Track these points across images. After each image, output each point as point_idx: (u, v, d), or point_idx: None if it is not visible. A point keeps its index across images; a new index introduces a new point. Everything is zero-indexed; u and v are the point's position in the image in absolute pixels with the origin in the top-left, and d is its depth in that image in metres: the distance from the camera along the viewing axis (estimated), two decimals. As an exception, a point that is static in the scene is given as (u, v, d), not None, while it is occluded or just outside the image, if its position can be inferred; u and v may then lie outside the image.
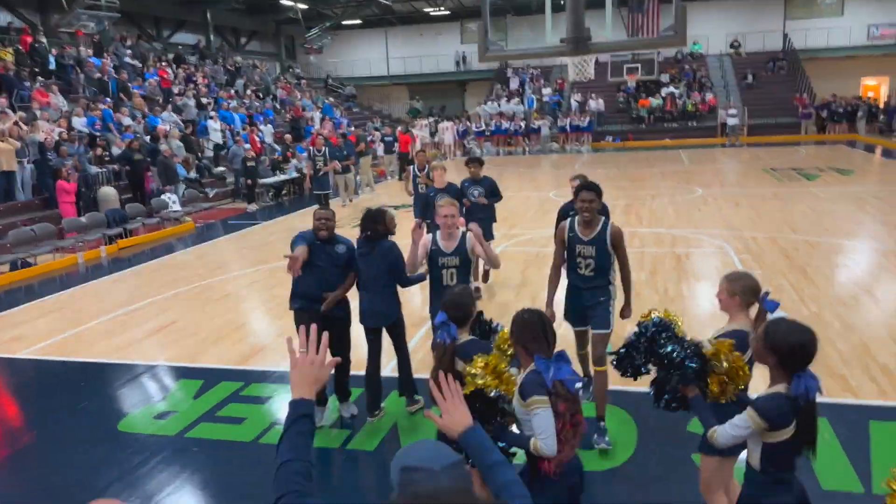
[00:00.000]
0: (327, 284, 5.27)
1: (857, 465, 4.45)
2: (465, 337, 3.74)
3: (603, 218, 4.97)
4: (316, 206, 10.18)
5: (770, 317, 3.25)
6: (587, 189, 4.78)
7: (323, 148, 14.74)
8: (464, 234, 5.09)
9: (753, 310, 3.59)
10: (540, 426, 2.88)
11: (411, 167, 10.27)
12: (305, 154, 15.65)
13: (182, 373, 6.78)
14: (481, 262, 8.14)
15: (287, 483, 1.77)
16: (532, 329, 3.07)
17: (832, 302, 7.89)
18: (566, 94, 32.62)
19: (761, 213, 13.37)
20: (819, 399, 2.76)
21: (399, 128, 24.93)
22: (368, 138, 23.25)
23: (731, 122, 27.71)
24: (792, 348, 2.66)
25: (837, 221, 12.44)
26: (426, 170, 9.84)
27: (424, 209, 8.66)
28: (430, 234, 5.18)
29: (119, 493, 4.60)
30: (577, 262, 4.95)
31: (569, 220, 5.05)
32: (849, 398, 5.45)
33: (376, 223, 5.31)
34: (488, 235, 8.36)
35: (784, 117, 29.51)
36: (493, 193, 8.77)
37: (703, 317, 7.62)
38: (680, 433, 4.92)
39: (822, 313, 7.52)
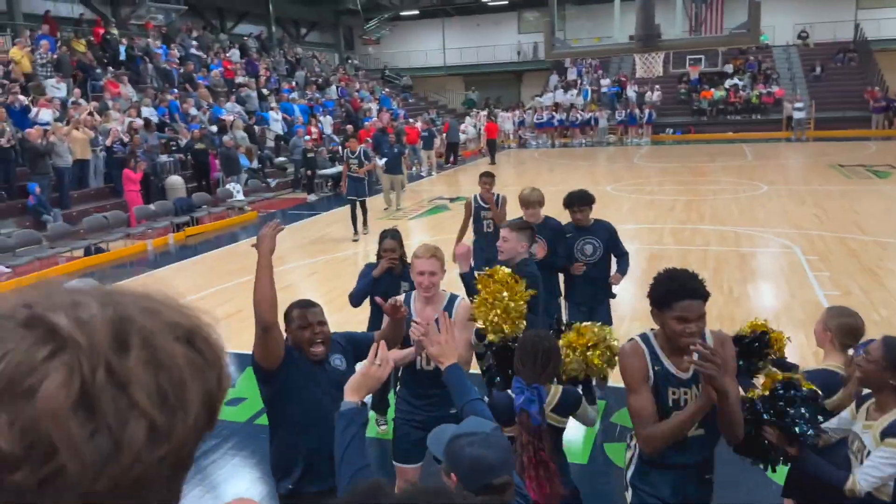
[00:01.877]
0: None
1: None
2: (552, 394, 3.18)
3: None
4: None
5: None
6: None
7: (358, 148, 12.69)
8: (452, 300, 3.84)
9: None
10: None
11: (472, 199, 7.47)
12: (345, 154, 12.96)
13: (250, 361, 6.98)
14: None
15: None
16: (524, 352, 3.06)
17: (905, 307, 7.65)
18: (625, 85, 32.13)
19: (828, 212, 12.98)
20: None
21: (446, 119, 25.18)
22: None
23: (798, 115, 26.87)
24: None
25: (910, 222, 12.00)
26: (498, 201, 7.26)
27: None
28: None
29: (190, 478, 4.79)
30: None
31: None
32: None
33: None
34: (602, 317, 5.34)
35: (853, 111, 28.44)
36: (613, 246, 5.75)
37: (769, 319, 7.46)
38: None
39: (892, 318, 7.30)
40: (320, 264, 10.90)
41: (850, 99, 28.75)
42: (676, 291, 2.72)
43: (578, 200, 5.59)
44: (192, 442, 0.60)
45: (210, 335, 0.67)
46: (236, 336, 7.77)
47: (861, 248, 10.26)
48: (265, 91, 23.01)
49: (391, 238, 5.29)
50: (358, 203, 12.56)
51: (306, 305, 3.23)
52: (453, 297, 3.83)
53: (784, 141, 26.85)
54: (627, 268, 5.82)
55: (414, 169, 21.24)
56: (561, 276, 5.72)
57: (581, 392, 3.42)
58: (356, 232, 12.62)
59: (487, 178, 7.48)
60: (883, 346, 2.61)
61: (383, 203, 15.63)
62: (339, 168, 19.05)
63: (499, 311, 3.55)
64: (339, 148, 20.41)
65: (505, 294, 3.59)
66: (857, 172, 17.92)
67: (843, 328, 3.25)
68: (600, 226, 5.68)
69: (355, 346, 3.39)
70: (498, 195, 7.43)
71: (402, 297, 3.66)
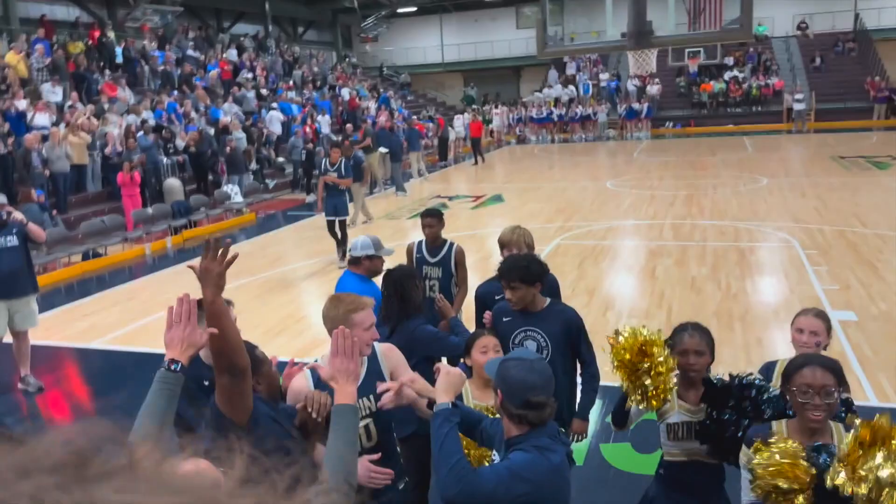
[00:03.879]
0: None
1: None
2: None
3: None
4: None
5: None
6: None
7: (339, 160, 10.70)
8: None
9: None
10: None
11: (413, 247, 5.45)
12: (323, 164, 10.92)
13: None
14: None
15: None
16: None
17: (905, 301, 7.59)
18: (624, 78, 32.03)
19: (829, 205, 12.92)
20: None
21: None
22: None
23: (798, 106, 26.77)
24: None
25: (911, 213, 11.93)
26: (449, 256, 5.36)
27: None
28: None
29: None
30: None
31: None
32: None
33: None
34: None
35: (854, 102, 28.32)
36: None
37: (767, 315, 7.44)
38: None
39: (892, 312, 7.25)
40: (319, 265, 10.87)
41: (851, 89, 28.63)
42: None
43: (507, 274, 3.59)
44: None
45: None
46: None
47: (861, 240, 10.20)
48: (263, 91, 22.97)
49: (430, 216, 5.48)
50: (337, 223, 10.66)
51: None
52: (375, 348, 3.02)
53: (785, 133, 26.76)
54: (594, 398, 3.74)
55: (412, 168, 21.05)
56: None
57: None
58: (344, 256, 10.06)
59: (431, 220, 5.40)
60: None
61: (360, 218, 13.77)
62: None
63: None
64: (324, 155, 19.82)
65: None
66: (857, 164, 17.84)
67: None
68: (554, 312, 3.71)
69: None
70: (450, 245, 5.39)
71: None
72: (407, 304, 3.86)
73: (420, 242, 5.46)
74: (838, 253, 9.61)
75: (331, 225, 10.70)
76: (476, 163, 23.04)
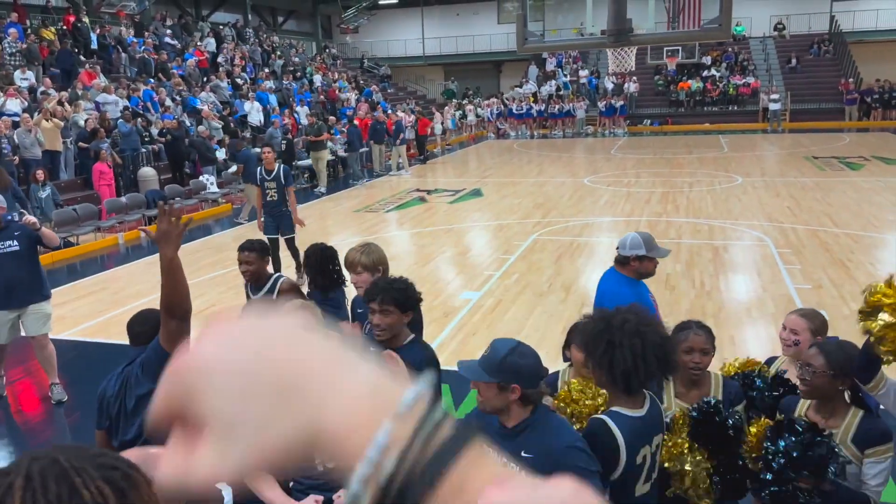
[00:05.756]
0: None
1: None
2: None
3: None
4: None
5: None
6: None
7: (276, 166, 8.87)
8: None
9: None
10: None
11: None
12: (258, 174, 8.90)
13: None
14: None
15: None
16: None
17: (874, 300, 7.72)
18: (603, 76, 32.19)
19: (802, 204, 13.10)
20: None
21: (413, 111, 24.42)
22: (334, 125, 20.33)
23: (774, 106, 27.11)
24: None
25: (882, 213, 12.14)
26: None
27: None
28: None
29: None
30: None
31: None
32: None
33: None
34: None
35: (828, 102, 28.74)
36: None
37: (740, 313, 7.53)
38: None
39: (863, 312, 7.37)
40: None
41: (825, 90, 29.05)
42: None
43: (382, 294, 3.11)
44: None
45: None
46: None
47: (833, 240, 10.35)
48: (239, 81, 22.73)
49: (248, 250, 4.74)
50: (284, 242, 8.99)
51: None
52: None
53: (760, 132, 27.07)
54: None
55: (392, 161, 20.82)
56: None
57: None
58: (301, 275, 8.09)
59: (249, 255, 4.75)
60: (822, 354, 2.64)
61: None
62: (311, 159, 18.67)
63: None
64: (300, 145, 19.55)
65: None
66: (830, 164, 18.10)
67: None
68: (416, 350, 3.17)
69: None
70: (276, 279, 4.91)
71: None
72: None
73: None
74: (811, 252, 9.75)
75: (273, 245, 8.41)
76: (422, 163, 21.96)
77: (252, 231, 9.26)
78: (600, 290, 4.17)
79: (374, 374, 0.49)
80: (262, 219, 8.94)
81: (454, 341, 6.98)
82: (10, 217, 6.04)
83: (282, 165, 9.04)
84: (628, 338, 2.43)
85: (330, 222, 13.96)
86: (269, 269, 5.09)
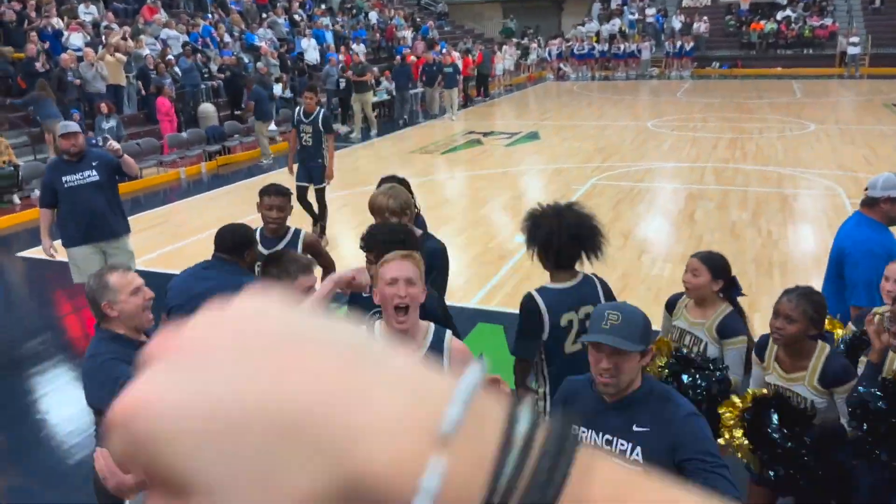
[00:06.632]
0: None
1: None
2: None
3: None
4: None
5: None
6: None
7: (317, 110, 8.23)
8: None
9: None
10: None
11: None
12: (295, 116, 8.50)
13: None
14: None
15: None
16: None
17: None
18: (671, 14, 30.81)
19: (879, 154, 12.41)
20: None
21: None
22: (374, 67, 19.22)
23: (853, 50, 25.55)
24: None
25: (967, 165, 11.42)
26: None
27: None
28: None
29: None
30: None
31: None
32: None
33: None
34: None
35: (913, 46, 26.97)
36: None
37: (807, 264, 7.22)
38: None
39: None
40: (352, 196, 10.79)
41: (911, 33, 27.23)
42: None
43: (383, 246, 2.85)
44: None
45: None
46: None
47: (912, 192, 9.80)
48: (297, 17, 22.53)
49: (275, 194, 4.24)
50: (314, 191, 8.45)
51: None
52: (439, 333, 2.61)
53: (836, 78, 25.65)
54: None
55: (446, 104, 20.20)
56: None
57: None
58: (323, 232, 8.37)
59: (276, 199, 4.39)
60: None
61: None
62: (373, 99, 18.47)
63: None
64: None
65: None
66: (912, 112, 17.07)
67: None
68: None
69: None
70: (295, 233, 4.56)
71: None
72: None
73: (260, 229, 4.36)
74: (887, 204, 9.25)
75: (301, 192, 8.20)
76: (463, 105, 20.92)
77: (282, 177, 8.72)
78: (841, 232, 3.92)
79: (409, 369, 0.34)
80: (293, 163, 8.50)
81: (508, 284, 6.91)
82: (94, 142, 5.73)
83: (322, 110, 8.35)
84: (547, 219, 3.00)
85: (383, 165, 13.89)
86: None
